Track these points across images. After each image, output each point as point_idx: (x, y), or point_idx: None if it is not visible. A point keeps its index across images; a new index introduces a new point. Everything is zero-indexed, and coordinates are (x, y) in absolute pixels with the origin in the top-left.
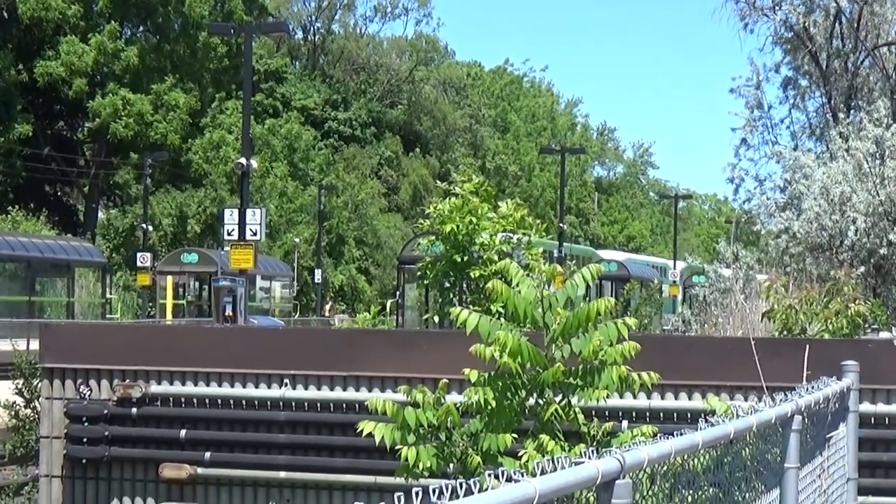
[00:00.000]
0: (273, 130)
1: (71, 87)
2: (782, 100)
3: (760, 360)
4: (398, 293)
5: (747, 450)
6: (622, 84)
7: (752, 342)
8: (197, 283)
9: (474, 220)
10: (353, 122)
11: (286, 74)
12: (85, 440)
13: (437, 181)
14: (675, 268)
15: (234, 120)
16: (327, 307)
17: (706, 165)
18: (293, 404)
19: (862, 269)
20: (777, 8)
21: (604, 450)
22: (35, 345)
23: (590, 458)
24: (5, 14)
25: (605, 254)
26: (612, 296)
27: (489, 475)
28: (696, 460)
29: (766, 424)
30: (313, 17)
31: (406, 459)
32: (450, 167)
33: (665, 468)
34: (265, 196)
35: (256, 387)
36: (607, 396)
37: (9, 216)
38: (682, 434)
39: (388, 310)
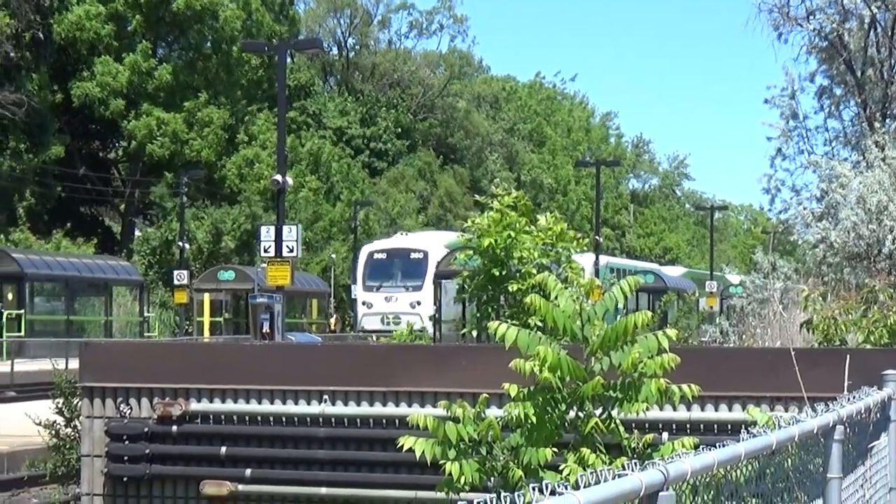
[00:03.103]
0: (294, 147)
1: (107, 107)
2: (817, 109)
3: (800, 370)
4: (435, 307)
5: (789, 460)
6: (656, 96)
7: (793, 353)
8: (234, 301)
9: (512, 233)
10: (385, 135)
11: (315, 88)
12: (126, 458)
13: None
14: (711, 279)
15: (269, 135)
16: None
17: (741, 176)
18: (333, 420)
19: None
20: (811, 17)
21: (647, 462)
22: (74, 364)
23: (633, 470)
24: (41, 35)
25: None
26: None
27: (533, 488)
28: (738, 471)
29: (808, 435)
30: (346, 33)
31: (449, 474)
32: (484, 180)
33: (707, 480)
34: (299, 212)
35: (296, 403)
36: (647, 409)
37: (51, 240)
38: (724, 445)
39: (425, 324)
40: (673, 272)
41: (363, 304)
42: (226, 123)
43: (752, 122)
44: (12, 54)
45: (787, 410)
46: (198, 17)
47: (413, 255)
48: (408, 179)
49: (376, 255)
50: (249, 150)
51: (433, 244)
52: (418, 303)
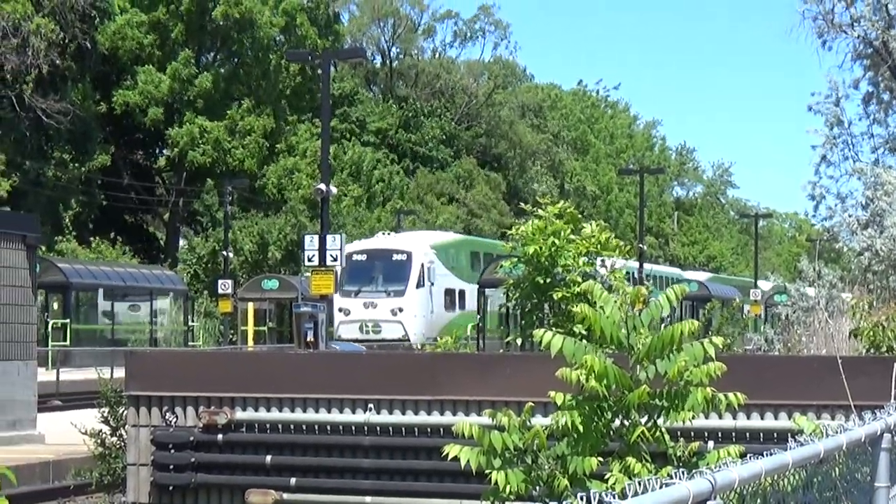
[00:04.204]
0: (336, 156)
1: (147, 115)
2: (862, 115)
3: (847, 378)
4: (479, 316)
5: (837, 469)
6: (701, 104)
7: (839, 360)
8: (278, 310)
9: (557, 241)
10: (428, 142)
11: (358, 97)
12: (171, 467)
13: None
14: (756, 287)
15: (308, 145)
16: None
17: (786, 184)
18: (378, 429)
19: None
20: (855, 24)
21: (694, 471)
22: (119, 373)
23: (680, 479)
24: (88, 45)
25: (688, 275)
26: (692, 316)
27: (581, 497)
28: (785, 480)
29: (856, 443)
30: (390, 42)
31: (495, 483)
32: (527, 189)
33: (754, 489)
34: (343, 221)
35: (341, 412)
36: (693, 417)
37: (92, 247)
38: (771, 454)
39: (468, 332)
40: (696, 277)
41: (340, 310)
42: (267, 132)
43: (796, 130)
44: (58, 62)
45: (833, 419)
46: (238, 26)
47: (396, 257)
48: (443, 184)
49: (355, 257)
50: (289, 159)
51: (418, 245)
52: (400, 309)
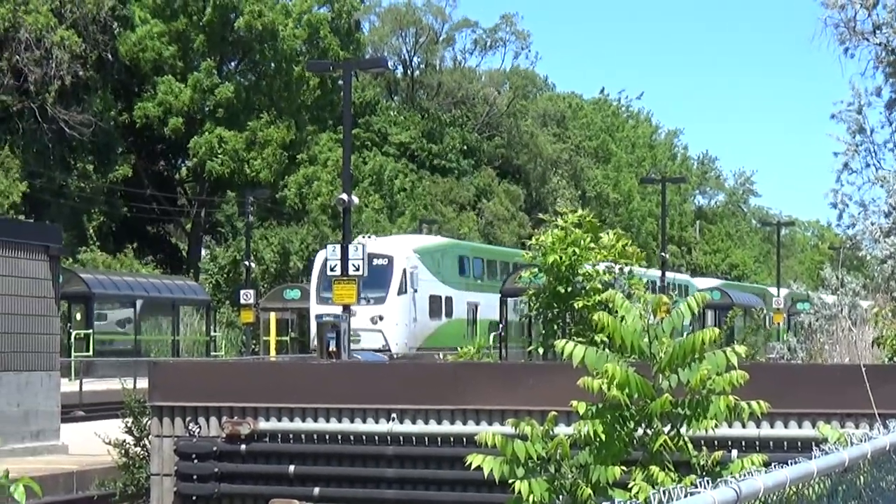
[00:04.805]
0: (357, 166)
1: (167, 125)
2: (884, 123)
3: (871, 386)
4: (501, 325)
5: (862, 478)
6: (722, 113)
7: (863, 368)
8: (300, 319)
9: (577, 251)
10: (449, 153)
11: (379, 106)
12: (195, 477)
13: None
14: (779, 295)
15: (329, 154)
16: None
17: (808, 191)
18: (401, 438)
19: None
20: (877, 31)
21: (719, 479)
22: (143, 383)
23: (705, 487)
24: (110, 56)
25: (700, 282)
26: (714, 324)
27: None
28: (810, 489)
29: (881, 452)
30: (412, 52)
31: (518, 492)
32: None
33: (779, 497)
34: (365, 230)
35: (364, 422)
36: (716, 426)
37: (117, 258)
38: (795, 462)
39: (490, 342)
40: (707, 284)
41: (316, 318)
42: (286, 142)
43: (817, 137)
44: (81, 73)
45: (857, 427)
46: (259, 37)
47: (376, 262)
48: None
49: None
50: (309, 168)
51: (400, 249)
52: (380, 317)
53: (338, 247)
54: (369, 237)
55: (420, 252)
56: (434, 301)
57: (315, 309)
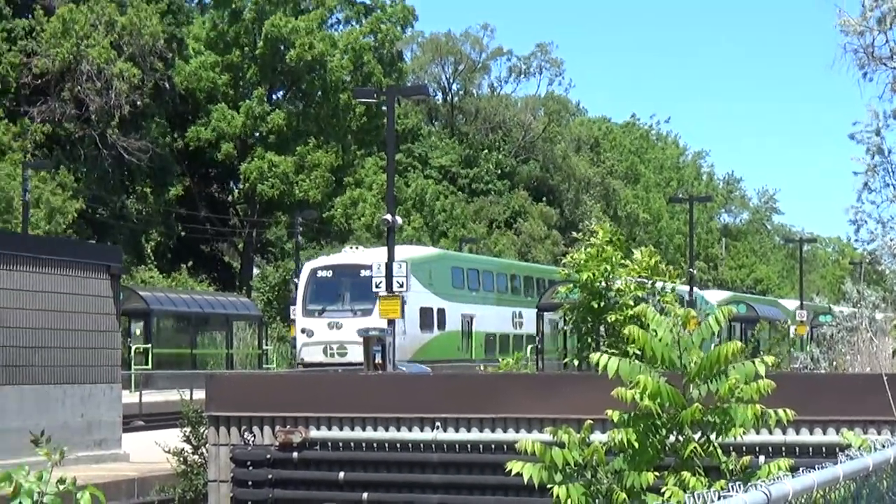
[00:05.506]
0: (400, 188)
1: (219, 150)
2: None
3: (893, 395)
4: (538, 338)
5: (885, 482)
6: (746, 135)
7: (884, 377)
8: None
9: (609, 267)
10: (485, 176)
11: (421, 133)
12: (250, 483)
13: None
14: (802, 308)
15: (374, 178)
16: None
17: (829, 209)
18: (445, 446)
19: None
20: (895, 56)
21: (750, 483)
22: (199, 394)
23: (736, 491)
24: (167, 85)
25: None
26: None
27: None
28: (835, 493)
29: None
30: (451, 79)
31: (557, 497)
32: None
33: (805, 500)
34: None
35: (410, 430)
36: (744, 433)
37: (173, 276)
38: (821, 467)
39: (528, 354)
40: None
41: (303, 331)
42: (333, 166)
43: (837, 158)
44: (139, 102)
45: (879, 434)
46: (309, 67)
47: (364, 273)
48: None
49: (320, 273)
50: (355, 191)
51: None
52: (367, 331)
53: (382, 264)
54: (353, 248)
55: (409, 263)
56: (425, 313)
57: (301, 322)
